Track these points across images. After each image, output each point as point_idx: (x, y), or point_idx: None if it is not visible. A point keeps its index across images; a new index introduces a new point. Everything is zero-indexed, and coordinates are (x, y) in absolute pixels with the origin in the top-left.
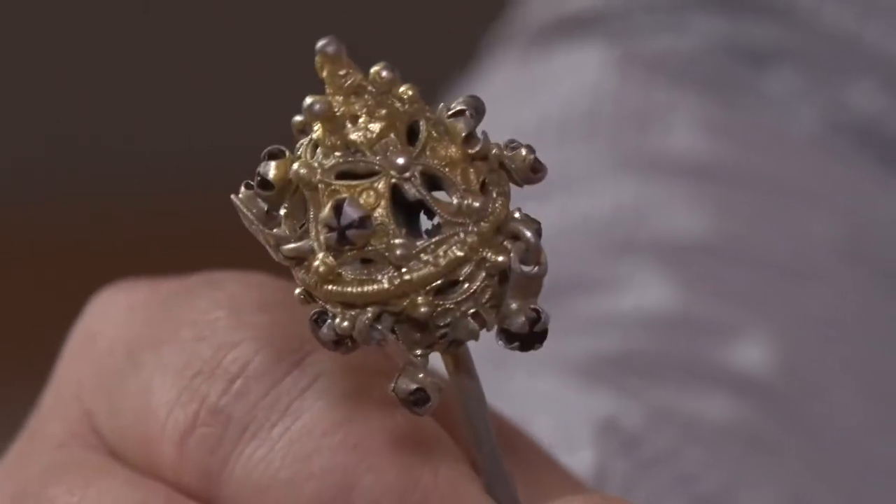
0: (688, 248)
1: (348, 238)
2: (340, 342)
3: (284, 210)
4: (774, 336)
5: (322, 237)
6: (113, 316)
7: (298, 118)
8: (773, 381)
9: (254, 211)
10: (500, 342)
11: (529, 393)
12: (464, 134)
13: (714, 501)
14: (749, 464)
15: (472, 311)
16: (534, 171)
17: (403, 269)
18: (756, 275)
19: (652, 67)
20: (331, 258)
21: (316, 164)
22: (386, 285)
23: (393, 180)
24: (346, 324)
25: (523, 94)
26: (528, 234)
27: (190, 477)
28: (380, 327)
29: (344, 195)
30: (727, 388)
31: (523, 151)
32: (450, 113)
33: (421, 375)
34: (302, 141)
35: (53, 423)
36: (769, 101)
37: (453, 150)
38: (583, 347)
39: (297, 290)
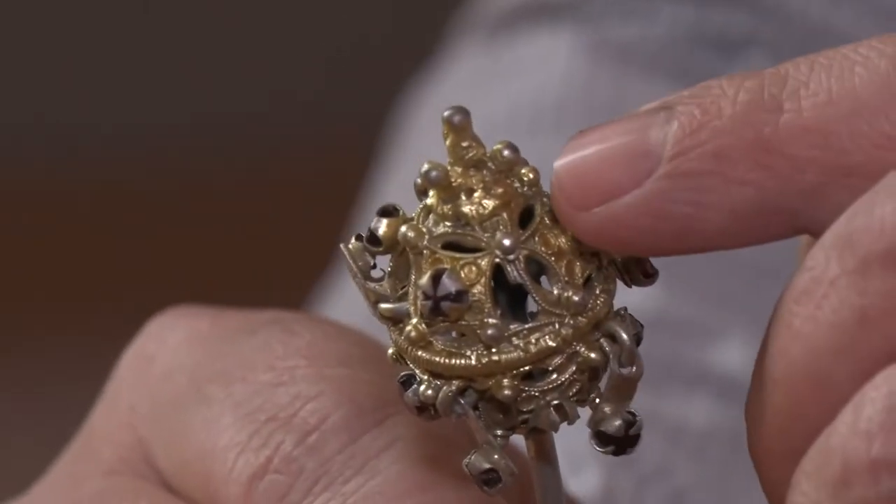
0: None
1: (442, 309)
2: (423, 409)
3: (389, 269)
4: (755, 336)
5: (418, 303)
6: (173, 342)
7: (419, 180)
8: None
9: (359, 264)
10: (594, 444)
11: None
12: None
13: None
14: (734, 472)
15: (555, 402)
16: (646, 276)
17: (493, 350)
18: (734, 275)
19: (622, 56)
20: (423, 325)
21: (424, 230)
22: (473, 362)
23: (497, 260)
24: (430, 392)
25: (491, 83)
26: (625, 336)
27: None
28: (463, 401)
29: (445, 266)
30: (709, 389)
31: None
32: None
33: (496, 457)
34: (420, 204)
35: (104, 447)
36: None
37: (563, 241)
38: None
39: (391, 351)
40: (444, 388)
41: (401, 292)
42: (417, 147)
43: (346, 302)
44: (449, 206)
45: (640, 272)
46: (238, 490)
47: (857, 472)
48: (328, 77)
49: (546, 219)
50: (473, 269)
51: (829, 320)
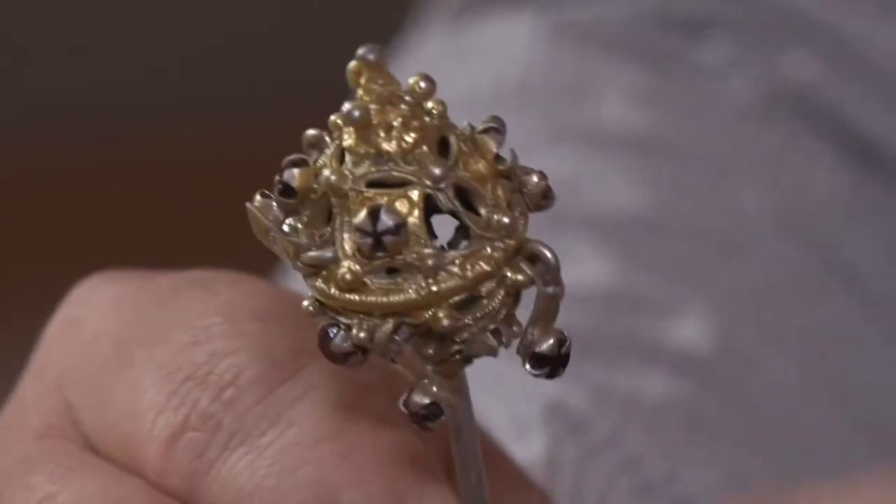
0: (622, 222)
1: (383, 244)
2: (350, 355)
3: (305, 219)
4: (711, 312)
5: (354, 242)
6: (99, 306)
7: (312, 132)
8: (710, 358)
9: (270, 219)
10: (529, 369)
11: (473, 376)
12: (495, 151)
13: (658, 486)
14: (688, 443)
15: (491, 327)
16: (545, 198)
17: (430, 280)
18: (692, 249)
19: (583, 38)
20: (357, 266)
21: (347, 172)
22: (413, 296)
23: (427, 191)
24: (363, 334)
25: (453, 65)
26: (549, 255)
27: (173, 479)
28: (398, 339)
29: (380, 202)
30: (665, 364)
31: (535, 178)
32: (479, 130)
33: (435, 389)
34: (326, 151)
35: (32, 414)
36: (703, 72)
37: (482, 166)
38: None
39: (306, 302)
40: (380, 327)
41: (321, 240)
42: None
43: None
44: (369, 146)
45: (541, 196)
46: (158, 450)
47: None
48: (286, 50)
49: (463, 147)
50: (405, 202)
51: None
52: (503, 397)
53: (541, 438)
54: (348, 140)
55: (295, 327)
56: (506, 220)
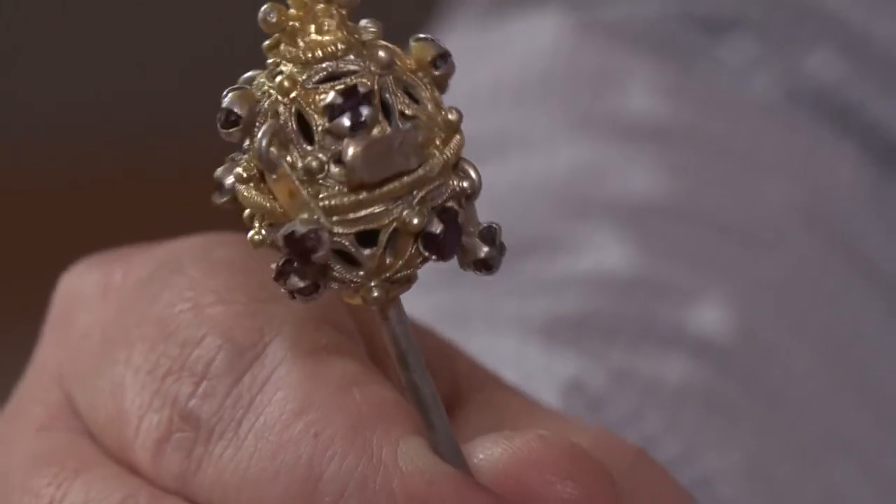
0: (645, 209)
1: (362, 117)
2: (307, 290)
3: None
4: (732, 299)
5: (321, 134)
6: (87, 298)
7: (246, 75)
8: (730, 345)
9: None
10: (476, 272)
11: (492, 353)
12: (434, 53)
13: (675, 465)
14: (707, 428)
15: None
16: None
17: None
18: (713, 238)
19: (608, 33)
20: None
21: (298, 78)
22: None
23: (377, 76)
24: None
25: (478, 59)
26: (474, 174)
27: (166, 479)
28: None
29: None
30: (685, 350)
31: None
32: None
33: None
34: (259, 77)
35: (34, 406)
36: (727, 69)
37: (410, 62)
38: (542, 308)
39: (251, 234)
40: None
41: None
42: None
43: None
44: (302, 49)
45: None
46: (147, 454)
47: None
48: None
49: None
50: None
51: None
52: (521, 376)
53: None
54: (285, 54)
55: (259, 292)
56: (451, 117)
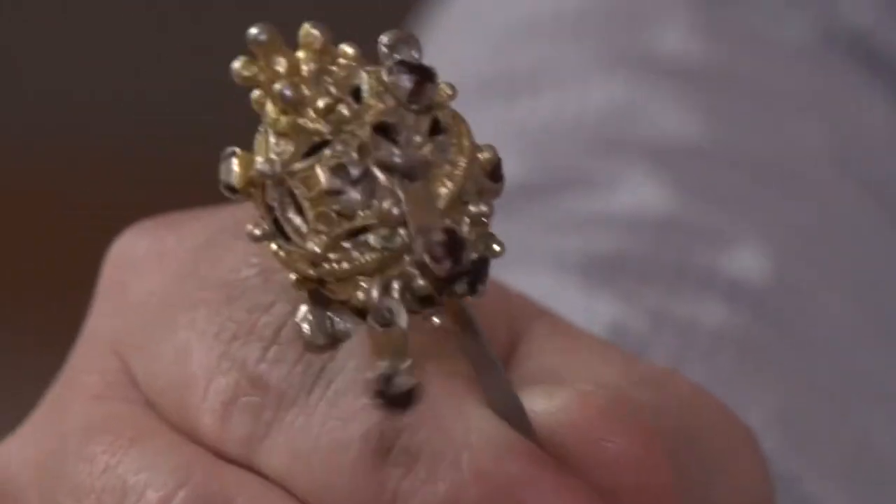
0: (679, 150)
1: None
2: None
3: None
4: (766, 243)
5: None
6: (140, 266)
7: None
8: (765, 290)
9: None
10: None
11: (531, 291)
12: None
13: None
14: (740, 374)
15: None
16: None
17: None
18: (747, 181)
19: None
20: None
21: (274, 157)
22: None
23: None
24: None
25: None
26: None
27: (231, 445)
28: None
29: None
30: (720, 294)
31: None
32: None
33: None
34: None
35: (89, 375)
36: (761, 10)
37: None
38: (577, 247)
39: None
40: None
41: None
42: (445, 48)
43: None
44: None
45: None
46: (213, 418)
47: None
48: None
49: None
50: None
51: None
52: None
53: None
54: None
55: None
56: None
